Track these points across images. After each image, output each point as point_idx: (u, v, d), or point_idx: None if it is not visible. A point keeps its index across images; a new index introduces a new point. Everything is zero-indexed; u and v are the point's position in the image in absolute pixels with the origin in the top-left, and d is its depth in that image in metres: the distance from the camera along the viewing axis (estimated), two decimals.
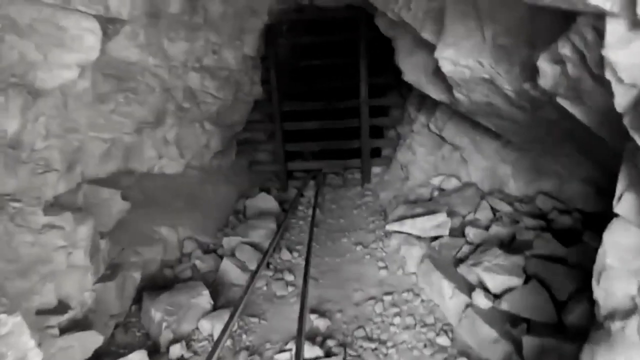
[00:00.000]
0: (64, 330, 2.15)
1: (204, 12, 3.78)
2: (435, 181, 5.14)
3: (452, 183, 4.83)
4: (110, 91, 3.01)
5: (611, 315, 1.48)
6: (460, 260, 3.41)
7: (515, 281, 2.71)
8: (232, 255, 3.93)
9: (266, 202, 5.14)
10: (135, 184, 4.07)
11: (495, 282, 2.75)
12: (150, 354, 2.58)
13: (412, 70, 4.45)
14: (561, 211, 3.77)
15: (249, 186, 6.16)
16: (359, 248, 4.21)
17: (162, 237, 3.89)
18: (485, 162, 4.66)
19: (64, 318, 2.09)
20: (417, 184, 5.39)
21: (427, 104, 5.63)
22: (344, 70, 7.11)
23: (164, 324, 2.71)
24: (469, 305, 2.73)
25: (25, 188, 2.26)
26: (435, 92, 3.92)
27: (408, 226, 3.95)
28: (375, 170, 6.59)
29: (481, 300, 2.69)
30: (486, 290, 2.80)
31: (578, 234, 3.35)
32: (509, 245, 3.43)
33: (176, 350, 2.60)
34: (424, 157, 5.57)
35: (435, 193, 4.87)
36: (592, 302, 1.60)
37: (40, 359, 1.55)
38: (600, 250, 1.58)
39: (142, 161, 3.82)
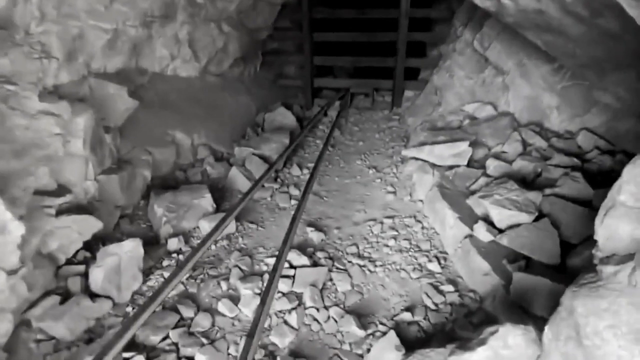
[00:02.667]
0: (65, 212, 2.29)
1: None
2: (469, 108, 4.66)
3: (487, 111, 4.35)
4: None
5: (607, 259, 1.28)
6: (472, 193, 3.19)
7: (524, 218, 2.49)
8: (243, 165, 3.95)
9: (285, 117, 4.99)
10: (150, 85, 4.03)
11: (502, 216, 2.55)
12: (151, 244, 2.77)
13: None
14: (603, 151, 3.32)
15: (272, 100, 5.98)
16: (371, 171, 4.07)
17: (176, 141, 3.93)
18: (529, 89, 4.10)
19: (60, 201, 2.22)
20: (448, 110, 4.94)
21: (475, 18, 4.87)
22: None
23: (164, 219, 2.84)
24: (468, 237, 2.58)
25: (20, 72, 2.24)
26: None
27: (425, 153, 3.70)
28: (408, 94, 6.09)
29: (482, 232, 2.53)
30: (491, 224, 2.62)
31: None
32: (532, 182, 3.13)
33: (174, 243, 2.75)
34: (461, 81, 5.00)
35: (466, 121, 4.44)
36: None
37: (22, 231, 1.64)
38: (615, 184, 1.32)
39: (153, 60, 3.71)
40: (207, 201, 3.10)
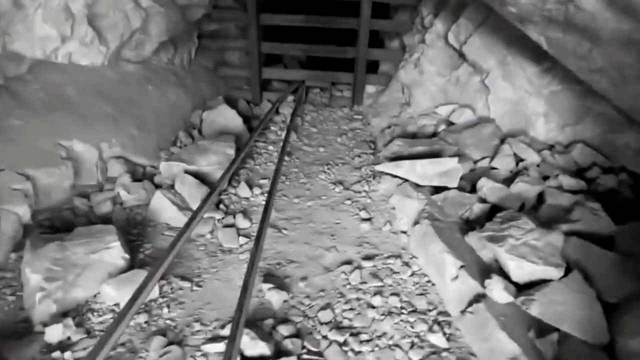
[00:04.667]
0: None
1: None
2: (443, 111, 4.12)
3: (465, 116, 3.82)
4: None
5: None
6: (468, 224, 2.61)
7: (552, 273, 1.92)
8: (172, 186, 2.99)
9: (228, 118, 4.04)
10: (32, 78, 2.87)
11: (523, 270, 1.96)
12: (17, 337, 1.78)
13: None
14: (604, 169, 2.92)
15: (212, 94, 4.96)
16: (338, 189, 3.33)
17: (73, 155, 2.85)
18: (512, 92, 3.61)
19: None
20: (419, 112, 4.35)
21: (449, 5, 4.28)
22: None
23: (39, 294, 1.85)
24: (479, 297, 1.97)
25: None
26: None
27: (405, 169, 3.04)
28: (370, 89, 5.43)
29: (498, 292, 1.92)
30: (505, 277, 2.03)
31: (628, 205, 2.55)
32: (534, 209, 2.62)
33: (56, 332, 1.78)
34: (432, 78, 4.43)
35: (442, 127, 3.88)
36: None
37: None
38: None
39: (31, 41, 2.57)
40: (114, 253, 2.14)
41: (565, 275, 1.93)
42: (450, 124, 3.90)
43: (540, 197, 2.69)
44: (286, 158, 3.80)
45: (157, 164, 3.34)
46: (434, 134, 3.85)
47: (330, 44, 5.40)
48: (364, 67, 5.16)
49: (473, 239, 2.32)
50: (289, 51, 5.49)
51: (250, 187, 3.23)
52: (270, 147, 4.08)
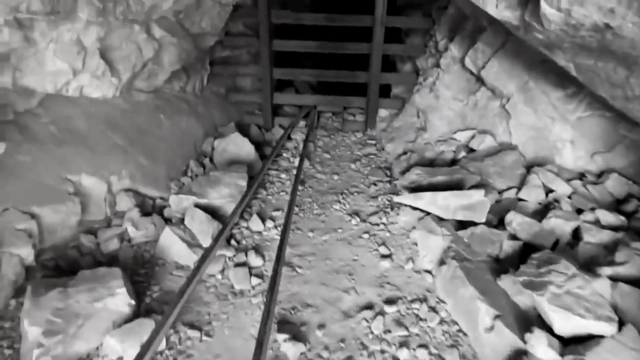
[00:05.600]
0: None
1: None
2: (462, 137, 3.97)
3: (486, 143, 3.66)
4: None
5: None
6: (498, 262, 2.41)
7: (604, 329, 1.71)
8: (181, 221, 2.87)
9: (239, 146, 3.94)
10: (42, 111, 2.82)
11: (569, 324, 1.75)
12: None
13: None
14: None
15: (224, 120, 4.90)
16: (354, 221, 3.17)
17: (81, 190, 2.76)
18: (535, 118, 3.45)
19: None
20: (436, 137, 4.21)
21: (464, 30, 4.19)
22: None
23: (37, 351, 1.70)
24: (520, 354, 1.76)
25: None
26: (499, 5, 2.53)
27: (426, 201, 2.87)
28: (382, 112, 5.32)
29: (543, 349, 1.71)
30: (547, 327, 1.82)
31: None
32: (571, 246, 2.41)
33: None
34: (448, 103, 4.30)
35: (462, 153, 3.72)
36: None
37: None
38: None
39: (42, 76, 2.52)
40: (119, 300, 1.99)
41: (619, 331, 1.72)
42: (470, 150, 3.75)
43: (576, 233, 2.49)
44: (299, 187, 3.67)
45: (167, 195, 3.24)
46: (454, 161, 3.69)
47: (342, 66, 5.36)
48: (376, 92, 5.07)
49: (507, 282, 2.12)
50: (300, 77, 5.44)
51: (263, 220, 3.09)
52: (283, 175, 3.95)
